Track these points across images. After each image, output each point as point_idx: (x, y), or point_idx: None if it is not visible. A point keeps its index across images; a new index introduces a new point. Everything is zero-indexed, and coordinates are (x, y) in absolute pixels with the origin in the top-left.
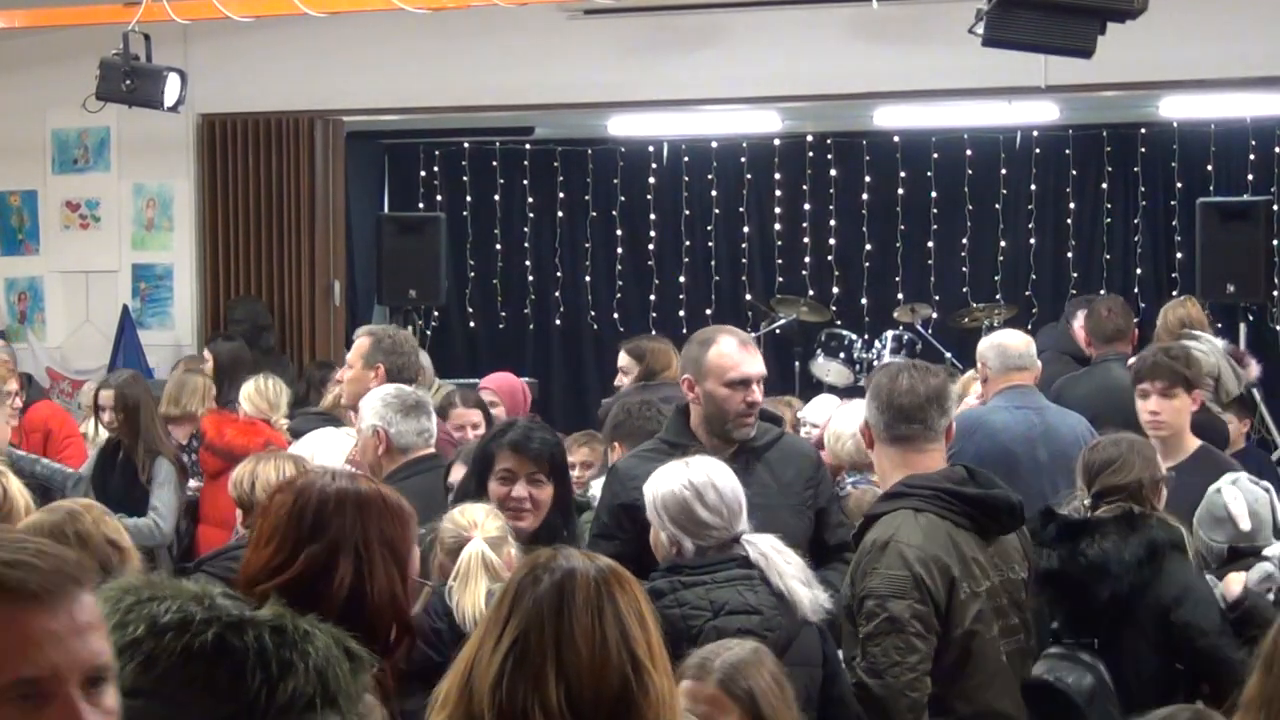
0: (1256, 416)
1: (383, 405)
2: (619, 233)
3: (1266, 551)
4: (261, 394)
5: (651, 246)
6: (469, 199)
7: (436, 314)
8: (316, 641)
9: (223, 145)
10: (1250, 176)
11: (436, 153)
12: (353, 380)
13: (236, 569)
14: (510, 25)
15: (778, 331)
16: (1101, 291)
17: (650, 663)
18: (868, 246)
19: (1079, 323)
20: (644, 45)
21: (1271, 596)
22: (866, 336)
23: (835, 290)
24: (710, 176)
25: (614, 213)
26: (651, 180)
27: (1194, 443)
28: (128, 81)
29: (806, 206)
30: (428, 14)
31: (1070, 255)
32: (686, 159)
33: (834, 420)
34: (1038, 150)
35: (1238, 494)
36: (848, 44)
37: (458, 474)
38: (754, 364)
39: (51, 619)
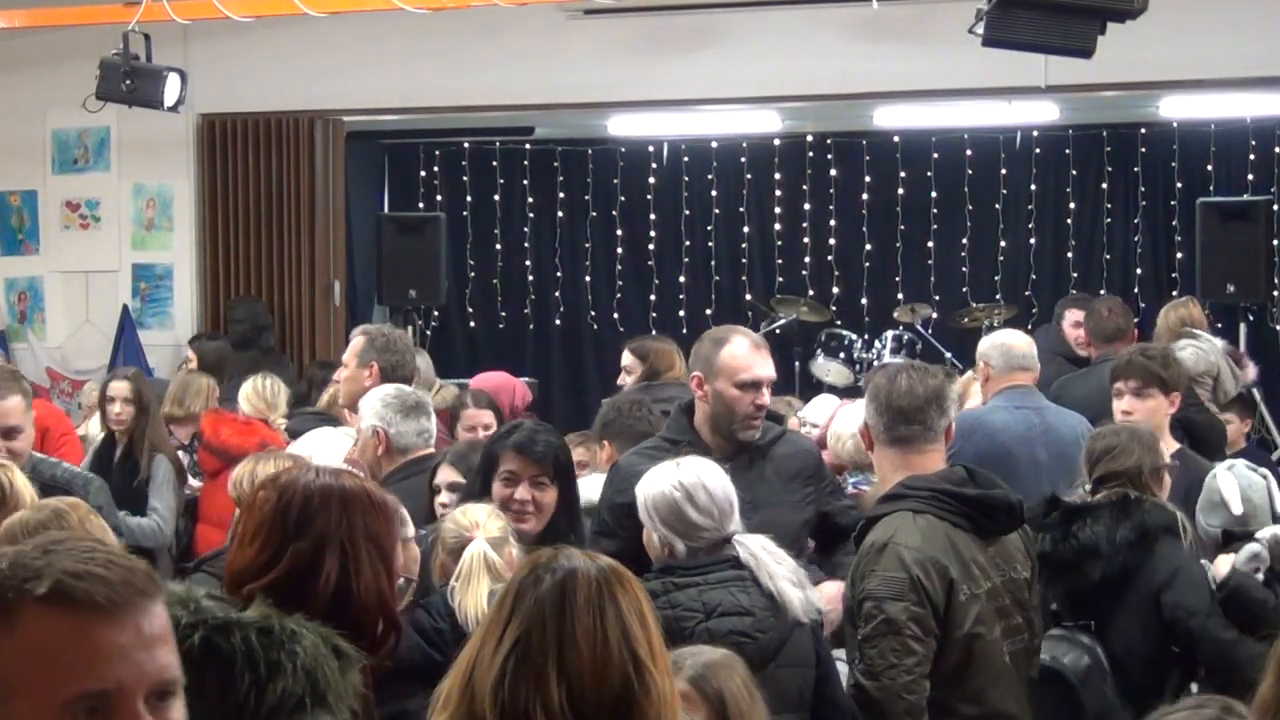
0: (1256, 416)
1: (383, 406)
2: (619, 233)
3: (1259, 534)
4: (259, 394)
5: (651, 246)
6: (469, 199)
7: (436, 314)
8: (304, 641)
9: (223, 145)
10: (1250, 176)
11: (436, 153)
12: (348, 379)
13: None
14: (510, 25)
15: (778, 331)
16: (1102, 291)
17: (651, 662)
18: (868, 246)
19: (1069, 323)
20: (644, 45)
21: (1260, 576)
22: (866, 336)
23: (835, 290)
24: (710, 176)
25: (614, 213)
26: (651, 180)
27: (1172, 444)
28: (128, 81)
29: (806, 206)
30: (428, 14)
31: (1070, 255)
32: (686, 159)
33: (835, 420)
34: (1038, 150)
35: (1231, 479)
36: (848, 44)
37: (444, 475)
38: (765, 367)
39: (118, 632)
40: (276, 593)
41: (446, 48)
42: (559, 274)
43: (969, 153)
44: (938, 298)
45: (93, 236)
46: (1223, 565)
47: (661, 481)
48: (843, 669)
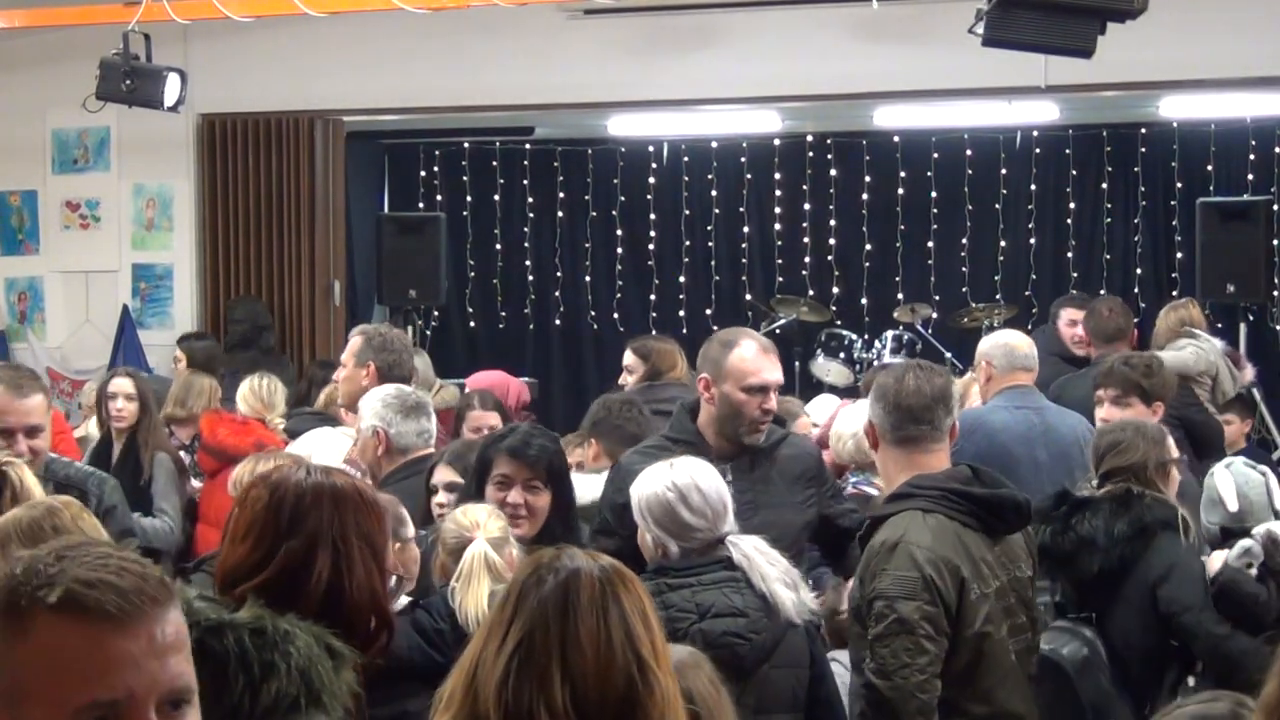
0: (1256, 417)
1: (383, 406)
2: (619, 233)
3: (1254, 530)
4: (256, 394)
5: (651, 246)
6: (469, 199)
7: (436, 314)
8: (297, 641)
9: (223, 145)
10: (1250, 176)
11: (436, 153)
12: (346, 379)
13: None
14: (510, 25)
15: (778, 331)
16: (1101, 291)
17: (655, 662)
18: (868, 246)
19: (1064, 322)
20: (644, 45)
21: (1254, 572)
22: (866, 336)
23: (835, 290)
24: (710, 176)
25: (614, 213)
26: (651, 180)
27: None
28: (128, 81)
29: (806, 206)
30: (428, 14)
31: (1070, 255)
32: (686, 159)
33: (836, 420)
34: (1038, 150)
35: (1228, 477)
36: (848, 44)
37: (441, 475)
38: (774, 371)
39: (130, 641)
40: (269, 591)
41: (446, 48)
42: (559, 274)
43: (969, 153)
44: (938, 298)
45: (93, 236)
46: (1216, 561)
47: (655, 482)
48: (837, 669)
